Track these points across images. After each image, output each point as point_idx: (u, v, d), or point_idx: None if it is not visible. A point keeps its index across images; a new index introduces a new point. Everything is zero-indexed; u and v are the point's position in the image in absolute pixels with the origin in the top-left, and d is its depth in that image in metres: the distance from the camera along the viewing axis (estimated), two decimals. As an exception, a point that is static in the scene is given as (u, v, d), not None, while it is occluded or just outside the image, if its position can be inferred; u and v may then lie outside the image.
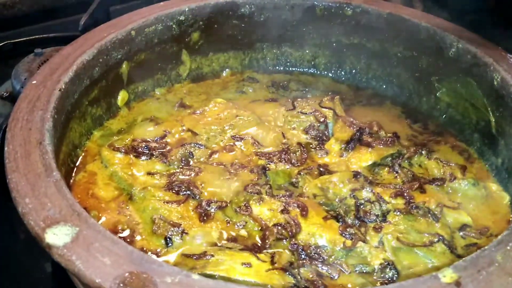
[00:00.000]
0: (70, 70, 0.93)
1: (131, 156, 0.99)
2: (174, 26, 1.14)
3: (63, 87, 0.90)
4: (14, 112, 0.85)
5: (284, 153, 1.02)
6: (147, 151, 1.00)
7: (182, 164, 0.99)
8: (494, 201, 0.97)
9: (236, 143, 1.04)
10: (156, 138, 1.04)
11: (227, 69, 1.27)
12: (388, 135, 1.07)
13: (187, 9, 1.15)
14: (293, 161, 1.01)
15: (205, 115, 1.09)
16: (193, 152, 1.01)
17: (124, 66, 1.09)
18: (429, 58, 1.13)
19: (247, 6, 1.19)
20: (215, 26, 1.19)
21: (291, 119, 1.10)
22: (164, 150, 1.01)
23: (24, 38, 1.48)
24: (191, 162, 1.00)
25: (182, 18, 1.14)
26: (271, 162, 1.00)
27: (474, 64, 1.04)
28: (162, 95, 1.19)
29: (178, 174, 0.97)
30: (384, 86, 1.23)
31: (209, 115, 1.09)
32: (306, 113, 1.10)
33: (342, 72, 1.28)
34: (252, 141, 1.04)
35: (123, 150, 1.00)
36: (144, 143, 1.02)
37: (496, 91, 1.00)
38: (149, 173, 0.97)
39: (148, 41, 1.11)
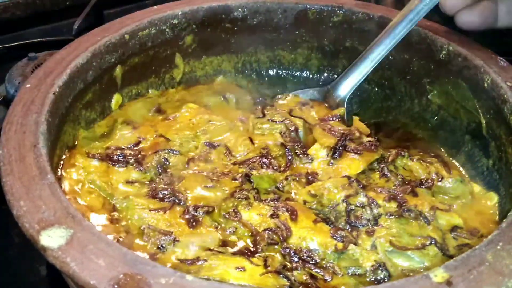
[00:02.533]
0: (64, 74, 0.94)
1: (108, 164, 0.97)
2: (167, 29, 1.14)
3: (57, 90, 0.90)
4: (9, 116, 0.85)
5: (264, 158, 1.01)
6: (122, 159, 0.98)
7: (159, 171, 0.98)
8: (478, 202, 0.99)
9: (212, 150, 1.03)
10: (130, 145, 1.02)
11: (220, 75, 1.27)
12: (369, 139, 1.06)
13: (180, 12, 1.15)
14: (274, 167, 1.00)
15: (177, 121, 1.08)
16: (168, 159, 0.99)
17: (117, 69, 1.09)
18: (421, 60, 1.14)
19: (240, 9, 1.20)
20: (208, 29, 1.20)
21: (260, 126, 1.08)
22: (139, 157, 0.99)
23: (18, 42, 1.49)
24: (169, 170, 0.98)
25: (175, 21, 1.15)
26: (253, 169, 0.99)
27: (464, 67, 1.05)
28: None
29: (159, 182, 0.96)
30: (376, 89, 1.24)
31: (181, 120, 1.08)
32: (276, 122, 1.08)
33: (335, 75, 1.28)
34: (224, 150, 1.03)
35: (98, 157, 0.98)
36: (118, 150, 1.00)
37: (486, 93, 1.00)
38: (128, 182, 0.95)
39: (141, 45, 1.11)
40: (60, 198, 0.72)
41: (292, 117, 1.10)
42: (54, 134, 0.89)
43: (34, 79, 0.92)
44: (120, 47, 1.07)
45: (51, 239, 0.67)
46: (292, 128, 1.07)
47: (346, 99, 1.16)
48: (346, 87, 1.16)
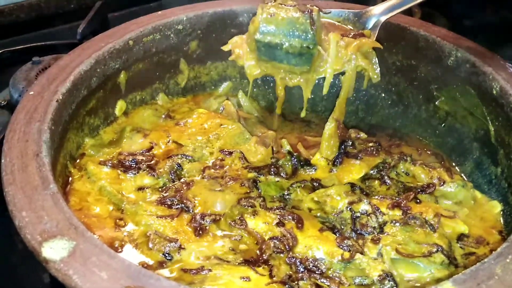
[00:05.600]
0: (68, 81, 0.93)
1: (119, 171, 0.97)
2: (172, 35, 1.14)
3: (61, 98, 0.90)
4: (11, 124, 0.84)
5: (272, 166, 1.01)
6: (134, 165, 0.98)
7: (171, 176, 0.97)
8: (481, 208, 0.98)
9: (227, 157, 1.03)
10: (142, 151, 1.02)
11: (225, 81, 1.27)
12: (370, 144, 1.06)
13: (185, 18, 1.14)
14: (282, 174, 1.00)
15: (189, 126, 1.08)
16: (181, 164, 0.99)
17: (121, 75, 1.08)
18: (428, 66, 1.13)
19: (245, 14, 1.18)
20: (213, 35, 1.19)
21: (269, 12, 0.97)
22: (152, 162, 0.99)
23: (22, 46, 1.48)
24: (182, 176, 0.98)
25: (180, 27, 1.14)
26: (261, 175, 0.99)
27: (473, 73, 1.04)
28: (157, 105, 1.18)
29: (169, 188, 0.95)
30: (383, 95, 1.23)
31: (193, 125, 1.08)
32: (288, 6, 0.98)
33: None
34: (240, 155, 1.03)
35: (109, 164, 0.98)
36: (131, 156, 1.00)
37: (495, 100, 0.99)
38: (139, 188, 0.95)
39: (146, 51, 1.11)
40: (62, 209, 0.71)
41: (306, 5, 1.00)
42: (57, 142, 0.89)
43: (37, 86, 0.91)
44: (124, 53, 1.06)
45: (53, 251, 0.66)
46: (306, 11, 0.97)
47: (380, 24, 1.05)
48: (383, 11, 1.06)
